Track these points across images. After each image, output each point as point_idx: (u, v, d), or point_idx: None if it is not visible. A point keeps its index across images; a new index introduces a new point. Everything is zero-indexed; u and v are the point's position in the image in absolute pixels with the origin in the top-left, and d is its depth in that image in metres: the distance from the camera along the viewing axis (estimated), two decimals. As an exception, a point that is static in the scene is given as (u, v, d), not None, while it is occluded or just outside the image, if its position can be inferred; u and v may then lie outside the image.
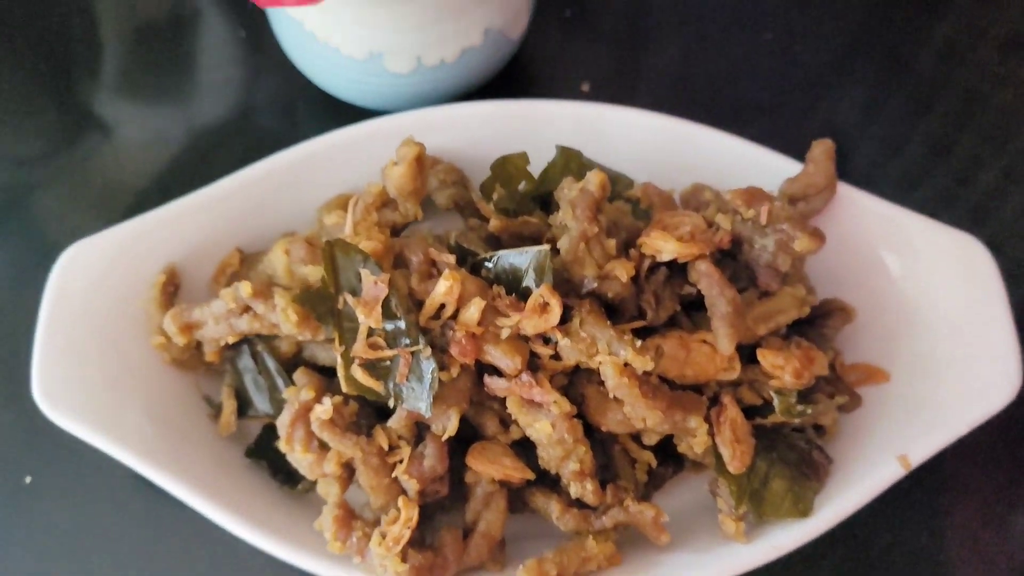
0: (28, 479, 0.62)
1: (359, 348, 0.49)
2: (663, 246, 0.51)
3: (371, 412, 0.53)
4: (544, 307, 0.49)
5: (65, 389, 0.53)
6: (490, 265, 0.52)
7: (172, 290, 0.58)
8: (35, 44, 0.79)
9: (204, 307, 0.54)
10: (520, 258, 0.51)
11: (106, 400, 0.54)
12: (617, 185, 0.61)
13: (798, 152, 0.59)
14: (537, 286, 0.49)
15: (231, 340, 0.54)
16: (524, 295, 0.50)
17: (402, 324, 0.49)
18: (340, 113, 0.68)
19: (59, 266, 0.56)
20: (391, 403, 0.50)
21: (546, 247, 0.50)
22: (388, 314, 0.49)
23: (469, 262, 0.53)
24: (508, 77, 0.74)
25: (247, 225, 0.60)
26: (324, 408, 0.50)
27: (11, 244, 0.71)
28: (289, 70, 0.71)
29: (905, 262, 0.58)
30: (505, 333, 0.49)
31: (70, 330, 0.55)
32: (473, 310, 0.48)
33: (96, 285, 0.56)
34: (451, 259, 0.51)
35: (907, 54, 0.78)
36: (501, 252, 0.51)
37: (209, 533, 0.54)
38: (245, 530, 0.52)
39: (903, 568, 0.61)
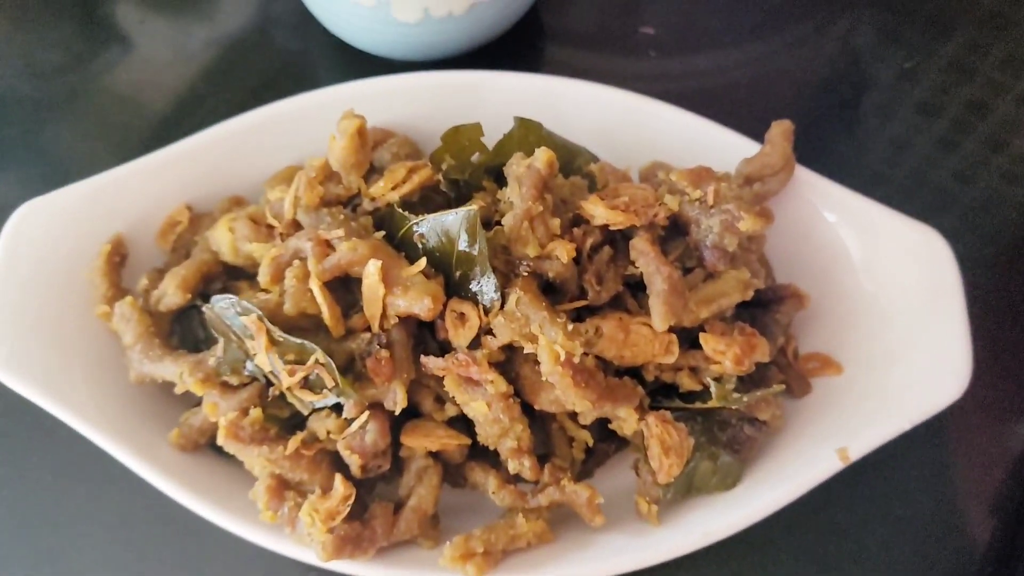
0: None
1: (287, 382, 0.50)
2: (595, 211, 0.50)
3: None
4: (461, 317, 0.49)
5: (10, 349, 0.53)
6: (420, 229, 0.51)
7: (118, 260, 0.58)
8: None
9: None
10: (451, 219, 0.49)
11: (50, 361, 0.54)
12: (578, 159, 0.60)
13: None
14: (470, 248, 0.49)
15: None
16: (461, 260, 0.50)
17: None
18: (352, 60, 0.72)
19: (10, 225, 0.56)
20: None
21: (475, 207, 0.49)
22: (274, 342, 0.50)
23: (399, 235, 0.52)
24: (528, 27, 0.74)
25: (199, 189, 0.60)
26: (222, 424, 0.50)
27: (25, 160, 0.73)
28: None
29: (865, 251, 0.57)
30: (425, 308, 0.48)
31: (19, 289, 0.55)
32: (371, 268, 0.48)
33: (46, 245, 0.56)
34: (340, 232, 0.50)
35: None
36: (429, 215, 0.50)
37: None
38: (182, 494, 0.52)
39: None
